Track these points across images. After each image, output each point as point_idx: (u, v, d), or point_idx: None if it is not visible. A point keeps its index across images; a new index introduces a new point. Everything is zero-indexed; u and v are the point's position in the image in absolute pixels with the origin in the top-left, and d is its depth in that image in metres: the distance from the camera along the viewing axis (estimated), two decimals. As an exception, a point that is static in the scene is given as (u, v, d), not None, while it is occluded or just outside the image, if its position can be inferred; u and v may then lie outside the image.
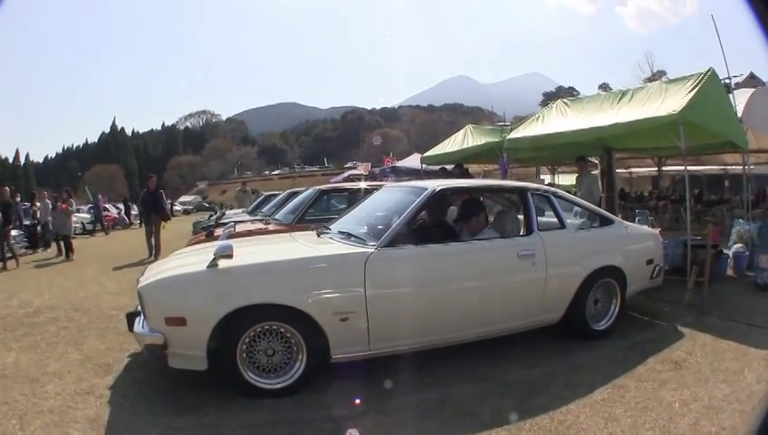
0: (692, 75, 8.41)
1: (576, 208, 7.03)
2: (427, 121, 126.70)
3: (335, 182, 24.32)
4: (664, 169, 18.03)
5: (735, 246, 9.53)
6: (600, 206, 12.84)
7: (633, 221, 11.01)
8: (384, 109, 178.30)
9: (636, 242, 6.70)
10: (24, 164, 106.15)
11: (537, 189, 6.37)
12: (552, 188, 6.67)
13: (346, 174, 34.17)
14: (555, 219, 6.12)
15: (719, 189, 21.28)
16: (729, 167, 18.36)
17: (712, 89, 8.21)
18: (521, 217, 6.13)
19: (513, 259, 5.46)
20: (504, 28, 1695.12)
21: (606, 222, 6.56)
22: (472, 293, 5.29)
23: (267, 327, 4.58)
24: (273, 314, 4.56)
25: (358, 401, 4.46)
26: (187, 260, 5.44)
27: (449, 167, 15.52)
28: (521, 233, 5.90)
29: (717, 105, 8.48)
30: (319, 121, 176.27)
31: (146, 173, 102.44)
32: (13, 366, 5.75)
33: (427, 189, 5.60)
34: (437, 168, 16.76)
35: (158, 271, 5.21)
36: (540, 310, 5.72)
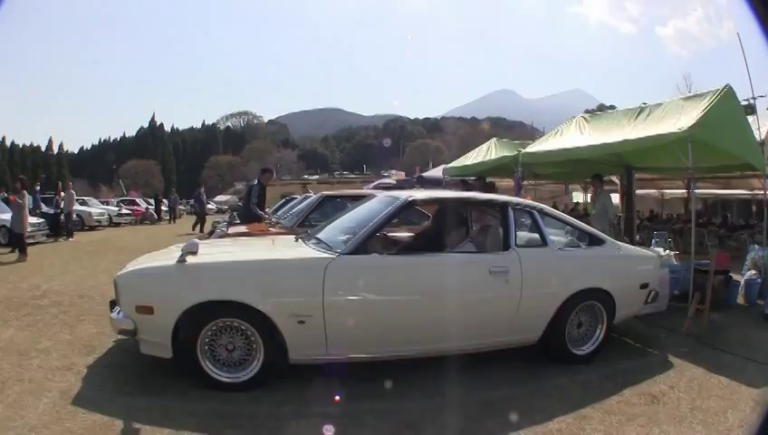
0: (709, 92, 8.06)
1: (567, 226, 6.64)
2: (469, 134, 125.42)
3: (367, 189, 24.20)
4: (697, 191, 17.49)
5: (748, 272, 9.04)
6: (617, 226, 12.51)
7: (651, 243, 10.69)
8: (427, 119, 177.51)
9: (628, 264, 6.33)
10: (58, 154, 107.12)
11: (519, 204, 6.07)
12: (538, 204, 6.34)
13: (376, 182, 34.31)
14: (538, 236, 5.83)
15: (750, 214, 20.53)
16: (758, 192, 17.71)
17: (727, 107, 7.79)
18: None
19: (484, 275, 5.23)
20: (547, 44, 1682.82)
21: (596, 242, 6.20)
22: (437, 307, 5.12)
23: (228, 323, 4.71)
24: (233, 310, 4.68)
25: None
26: (170, 254, 5.50)
27: (471, 179, 15.20)
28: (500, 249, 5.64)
29: (732, 124, 8.03)
30: (361, 128, 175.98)
31: (183, 170, 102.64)
32: (8, 340, 6.23)
33: (398, 199, 5.52)
34: (458, 179, 16.44)
35: (137, 262, 5.46)
36: (513, 330, 5.45)
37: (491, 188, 14.20)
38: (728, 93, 7.85)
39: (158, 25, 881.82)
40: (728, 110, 7.85)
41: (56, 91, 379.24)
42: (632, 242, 10.81)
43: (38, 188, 22.69)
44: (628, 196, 12.48)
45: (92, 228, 25.62)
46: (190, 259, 4.81)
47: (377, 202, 5.98)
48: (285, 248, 5.63)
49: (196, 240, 5.14)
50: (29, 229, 15.57)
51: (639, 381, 5.25)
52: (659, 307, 6.79)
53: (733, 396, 4.91)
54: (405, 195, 5.65)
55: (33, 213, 19.03)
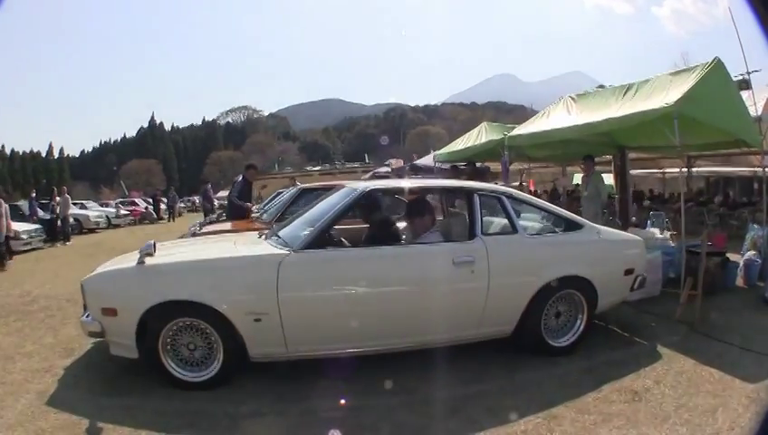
0: (698, 66, 7.63)
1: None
2: (470, 119, 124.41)
3: (364, 178, 23.98)
4: (698, 169, 17.12)
5: (748, 253, 8.62)
6: (609, 207, 12.12)
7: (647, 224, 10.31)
8: (427, 106, 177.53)
9: (609, 249, 5.94)
10: (58, 158, 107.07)
11: (485, 190, 5.73)
12: (507, 189, 6.01)
13: (374, 170, 34.21)
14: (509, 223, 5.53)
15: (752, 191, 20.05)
16: (758, 169, 17.25)
17: (716, 80, 7.34)
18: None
19: (448, 266, 4.97)
20: (546, 27, 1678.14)
21: (572, 227, 5.83)
22: (396, 300, 4.96)
23: (189, 322, 4.71)
24: (191, 310, 4.66)
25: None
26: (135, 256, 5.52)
27: (461, 164, 14.86)
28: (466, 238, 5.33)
29: (722, 98, 7.56)
30: (362, 118, 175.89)
31: (185, 168, 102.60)
32: (-5, 346, 6.43)
33: (355, 191, 5.37)
34: (449, 165, 16.10)
35: (105, 265, 5.47)
36: (483, 322, 5.16)
37: (482, 174, 13.88)
38: (717, 66, 7.39)
39: (153, 24, 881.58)
40: (717, 83, 7.40)
41: (54, 96, 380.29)
42: (627, 223, 10.52)
43: (34, 194, 23.11)
44: (622, 176, 12.15)
45: (91, 231, 25.91)
46: (149, 260, 4.82)
47: (337, 195, 5.72)
48: (243, 246, 5.51)
49: (152, 241, 5.07)
50: (25, 237, 17.31)
51: (622, 375, 4.89)
52: (652, 292, 6.49)
53: (724, 392, 4.49)
54: (362, 186, 5.48)
55: (29, 219, 19.79)
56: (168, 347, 4.72)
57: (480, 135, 14.29)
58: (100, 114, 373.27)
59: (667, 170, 21.59)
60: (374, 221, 5.83)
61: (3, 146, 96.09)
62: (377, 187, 5.67)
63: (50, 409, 4.49)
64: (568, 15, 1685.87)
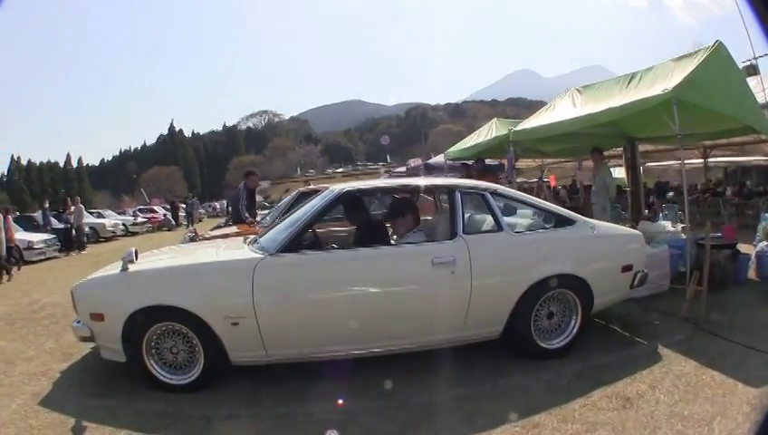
0: (699, 50, 7.30)
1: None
2: (490, 116, 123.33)
3: (383, 178, 23.93)
4: (715, 160, 16.73)
5: (761, 244, 8.21)
6: (618, 201, 11.81)
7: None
8: (448, 104, 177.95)
9: (605, 246, 5.62)
10: (77, 168, 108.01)
11: (468, 187, 5.51)
12: (493, 185, 5.75)
13: (393, 170, 34.40)
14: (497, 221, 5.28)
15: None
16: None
17: (717, 64, 7.01)
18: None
19: (426, 267, 4.79)
20: (563, 22, 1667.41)
21: (564, 223, 5.54)
22: (374, 303, 4.82)
23: (171, 327, 4.75)
24: (173, 315, 4.70)
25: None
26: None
27: (470, 161, 14.61)
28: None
29: (725, 83, 7.21)
30: (383, 118, 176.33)
31: (206, 173, 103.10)
32: (-1, 352, 6.64)
33: (332, 192, 5.31)
34: (460, 163, 15.87)
35: (97, 272, 5.56)
36: (467, 324, 4.94)
37: (492, 171, 13.66)
38: (718, 50, 7.06)
39: (171, 30, 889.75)
40: (720, 68, 7.07)
41: (72, 106, 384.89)
42: (639, 217, 10.25)
43: (47, 205, 23.61)
44: (633, 169, 11.85)
45: (108, 239, 26.13)
46: (131, 267, 4.90)
47: (318, 198, 5.61)
48: (224, 252, 5.50)
49: (133, 249, 5.18)
50: (40, 247, 17.81)
51: (616, 379, 4.58)
52: (659, 288, 6.16)
53: (725, 398, 4.13)
54: (338, 188, 5.39)
55: (43, 229, 20.26)
56: (153, 351, 4.78)
57: (490, 131, 14.03)
58: (120, 123, 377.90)
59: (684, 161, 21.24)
60: (352, 223, 5.68)
61: (19, 157, 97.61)
62: (352, 188, 5.48)
63: (41, 409, 4.68)
64: (584, 10, 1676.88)
